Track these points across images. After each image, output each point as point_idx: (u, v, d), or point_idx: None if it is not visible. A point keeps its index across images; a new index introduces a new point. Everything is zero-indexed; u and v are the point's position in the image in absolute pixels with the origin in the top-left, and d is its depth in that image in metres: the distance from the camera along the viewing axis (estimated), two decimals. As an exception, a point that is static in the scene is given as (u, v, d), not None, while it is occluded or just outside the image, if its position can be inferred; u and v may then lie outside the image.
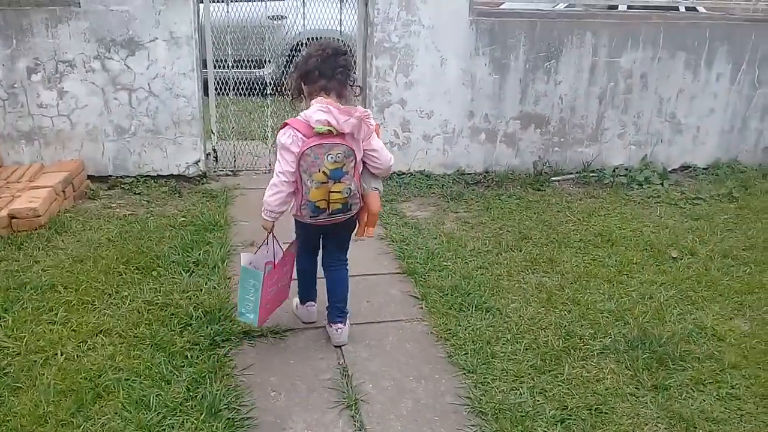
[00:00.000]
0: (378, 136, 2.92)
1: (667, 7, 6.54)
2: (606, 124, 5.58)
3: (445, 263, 3.98)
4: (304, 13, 5.09)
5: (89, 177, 4.99)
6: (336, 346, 3.15)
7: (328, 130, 2.69)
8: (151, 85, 4.88)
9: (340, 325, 3.15)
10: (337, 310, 3.16)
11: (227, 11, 5.07)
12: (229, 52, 5.19)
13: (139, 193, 4.91)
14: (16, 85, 4.72)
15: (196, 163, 5.14)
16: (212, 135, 5.34)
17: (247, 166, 5.49)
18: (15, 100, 4.75)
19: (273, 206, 2.84)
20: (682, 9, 7.38)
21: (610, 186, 5.42)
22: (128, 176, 5.05)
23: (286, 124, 2.76)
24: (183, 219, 4.47)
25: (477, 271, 3.91)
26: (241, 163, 5.50)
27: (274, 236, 3.00)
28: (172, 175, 5.12)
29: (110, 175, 5.04)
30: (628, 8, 6.78)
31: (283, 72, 7.48)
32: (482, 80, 5.28)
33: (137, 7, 4.68)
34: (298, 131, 2.72)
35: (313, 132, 2.69)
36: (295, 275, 3.25)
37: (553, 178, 5.47)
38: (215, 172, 5.37)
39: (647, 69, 5.47)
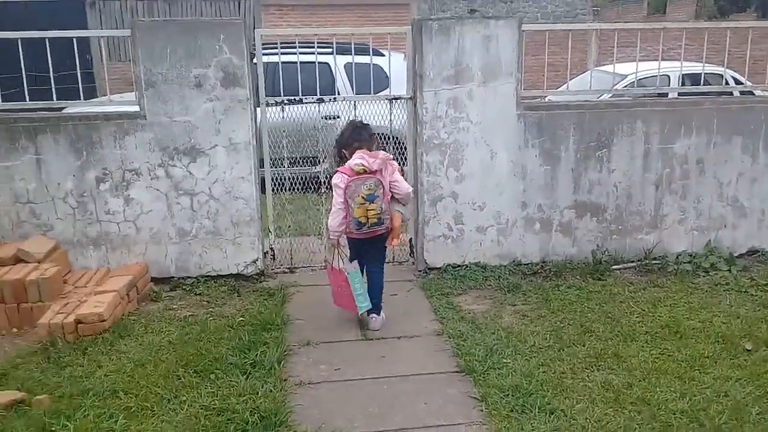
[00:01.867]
0: (401, 174, 4.29)
1: (720, 92, 6.48)
2: (665, 210, 5.46)
3: (504, 360, 3.87)
4: (355, 113, 5.27)
5: (153, 279, 5.14)
6: (372, 330, 4.38)
7: (363, 169, 4.09)
8: (211, 189, 5.08)
9: (374, 314, 4.43)
10: (374, 306, 4.41)
11: (283, 116, 5.31)
12: (285, 155, 5.38)
13: (199, 294, 5.02)
14: (85, 194, 4.99)
15: (254, 262, 5.25)
16: (269, 234, 5.47)
17: (303, 262, 5.57)
18: (84, 209, 5.01)
19: (334, 227, 4.22)
20: (736, 93, 7.33)
21: (674, 274, 5.24)
22: (189, 277, 5.18)
23: (337, 171, 4.18)
24: (241, 319, 4.52)
25: (539, 368, 3.78)
26: (297, 260, 5.58)
27: (340, 249, 4.32)
28: (231, 275, 5.23)
29: (172, 277, 5.18)
30: (679, 95, 6.75)
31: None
32: (533, 171, 5.30)
33: (199, 117, 4.95)
34: (345, 174, 4.12)
35: (353, 172, 4.08)
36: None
37: (614, 267, 5.33)
38: (273, 269, 5.46)
39: (703, 154, 5.39)
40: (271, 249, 5.50)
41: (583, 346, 4.06)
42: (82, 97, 5.11)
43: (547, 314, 4.56)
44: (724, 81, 7.23)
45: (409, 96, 5.27)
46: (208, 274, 5.21)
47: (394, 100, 5.30)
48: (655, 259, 5.45)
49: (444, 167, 5.22)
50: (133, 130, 4.96)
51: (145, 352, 4.04)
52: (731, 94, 7.39)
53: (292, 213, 5.89)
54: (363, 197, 4.08)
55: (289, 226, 5.72)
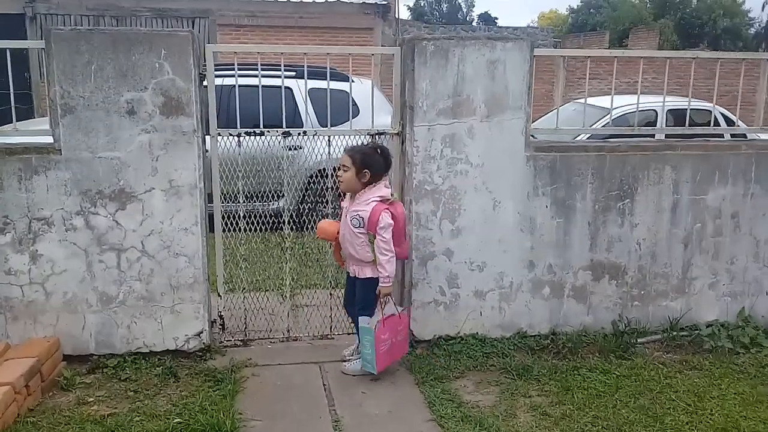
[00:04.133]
0: None
1: (709, 135, 5.61)
2: (694, 272, 4.62)
3: (533, 491, 2.89)
4: (329, 151, 4.29)
5: (65, 357, 4.01)
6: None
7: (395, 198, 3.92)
8: (144, 244, 4.00)
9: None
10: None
11: (240, 151, 4.26)
12: (240, 187, 4.32)
13: (125, 379, 3.89)
14: (-22, 250, 3.85)
15: (198, 335, 4.17)
16: (219, 296, 4.39)
17: (260, 331, 4.51)
18: (-24, 268, 3.86)
19: (393, 273, 3.87)
20: (727, 136, 6.65)
21: (710, 351, 4.37)
22: (114, 355, 4.07)
23: (385, 209, 3.79)
24: (178, 420, 3.44)
25: (581, 504, 2.81)
26: (253, 328, 4.52)
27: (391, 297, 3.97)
28: (167, 351, 4.14)
29: (92, 354, 4.06)
30: (666, 137, 6.01)
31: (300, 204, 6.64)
32: (543, 225, 4.39)
33: (131, 153, 3.89)
34: (388, 210, 3.81)
35: (388, 202, 3.83)
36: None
37: (640, 341, 4.44)
38: (221, 343, 4.37)
39: (739, 207, 4.58)
40: (220, 316, 4.42)
41: (631, 464, 3.11)
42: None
43: (572, 411, 3.61)
44: (712, 118, 6.49)
45: (396, 131, 4.31)
46: (138, 350, 4.10)
47: (378, 136, 4.32)
48: (682, 329, 4.59)
49: (437, 219, 4.27)
50: (45, 168, 3.86)
51: (41, 479, 2.92)
52: (722, 135, 6.71)
53: (247, 263, 4.83)
54: None
55: (244, 288, 4.64)
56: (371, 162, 3.81)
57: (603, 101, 8.69)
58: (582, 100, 9.56)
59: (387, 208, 3.79)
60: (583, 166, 4.38)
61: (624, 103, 7.89)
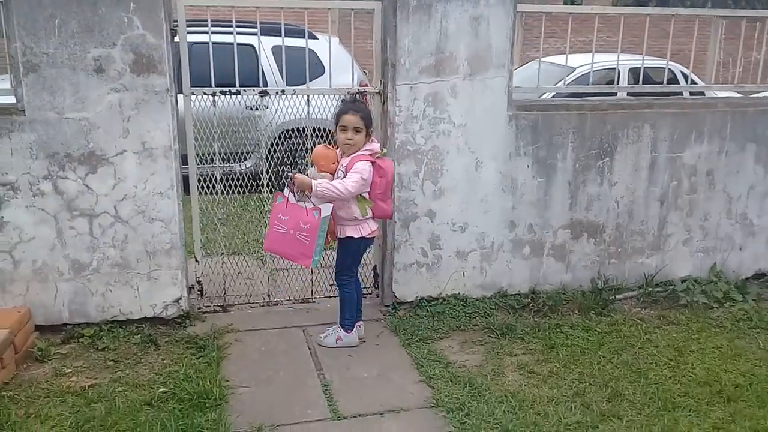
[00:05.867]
0: None
1: (669, 93, 5.59)
2: (669, 229, 4.69)
3: (529, 448, 2.92)
4: (308, 112, 4.15)
5: (37, 328, 3.86)
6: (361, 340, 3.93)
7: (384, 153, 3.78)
8: (117, 209, 3.83)
9: (361, 321, 3.99)
10: (359, 311, 3.98)
11: (215, 111, 4.10)
12: (216, 149, 4.17)
13: (103, 349, 3.77)
14: (-61, 218, 3.63)
15: (177, 301, 4.05)
16: (196, 262, 4.26)
17: (240, 296, 4.41)
18: (-62, 237, 3.65)
19: (327, 197, 3.54)
20: (686, 94, 6.74)
21: (685, 306, 4.47)
22: (90, 324, 3.92)
23: (363, 159, 3.60)
24: (163, 389, 3.34)
25: (576, 460, 2.86)
26: (232, 292, 4.42)
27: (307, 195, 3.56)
28: (145, 319, 4.02)
29: (66, 324, 3.91)
30: (628, 95, 6.03)
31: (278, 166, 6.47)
32: (525, 184, 4.38)
33: (100, 113, 3.69)
34: (371, 162, 3.62)
35: (375, 156, 3.66)
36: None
37: (618, 297, 4.51)
38: (200, 309, 4.27)
39: (714, 164, 4.64)
40: (198, 282, 4.31)
41: (620, 419, 3.17)
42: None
43: (558, 369, 3.65)
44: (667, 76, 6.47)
45: (377, 90, 4.20)
46: (114, 319, 3.97)
47: (358, 95, 4.19)
48: (657, 285, 4.68)
49: (420, 180, 4.21)
50: (7, 131, 3.63)
51: (25, 456, 2.81)
52: (681, 93, 6.78)
53: (225, 226, 4.70)
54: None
55: (222, 253, 4.52)
56: (371, 118, 3.72)
57: (568, 60, 8.68)
58: (546, 59, 9.57)
59: (371, 160, 3.62)
60: (564, 125, 4.35)
61: (586, 62, 7.86)
